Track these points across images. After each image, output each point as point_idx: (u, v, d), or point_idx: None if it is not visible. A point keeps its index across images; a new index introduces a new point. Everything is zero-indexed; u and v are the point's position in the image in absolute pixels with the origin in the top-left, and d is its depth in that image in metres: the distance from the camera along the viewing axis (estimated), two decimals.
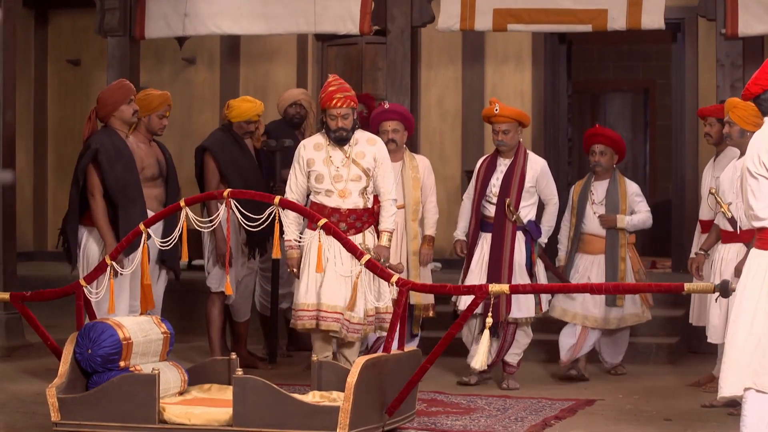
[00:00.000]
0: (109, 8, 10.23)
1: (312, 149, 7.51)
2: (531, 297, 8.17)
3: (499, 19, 9.61)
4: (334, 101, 7.39)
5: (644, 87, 15.79)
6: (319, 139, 7.55)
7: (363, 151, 7.49)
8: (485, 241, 8.25)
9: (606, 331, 8.61)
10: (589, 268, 8.54)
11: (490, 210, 8.25)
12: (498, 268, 8.11)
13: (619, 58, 15.80)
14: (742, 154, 7.44)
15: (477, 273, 8.22)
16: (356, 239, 7.29)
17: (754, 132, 6.43)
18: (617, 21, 9.39)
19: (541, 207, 8.41)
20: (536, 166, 8.33)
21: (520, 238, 8.20)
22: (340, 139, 7.43)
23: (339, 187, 7.40)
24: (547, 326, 8.96)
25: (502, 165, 8.30)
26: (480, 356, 6.12)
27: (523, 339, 8.29)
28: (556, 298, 8.53)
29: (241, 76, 12.80)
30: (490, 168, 8.34)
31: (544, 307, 8.32)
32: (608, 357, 8.79)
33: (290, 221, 7.29)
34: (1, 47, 9.42)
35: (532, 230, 8.23)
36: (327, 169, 7.42)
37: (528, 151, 8.39)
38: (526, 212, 8.25)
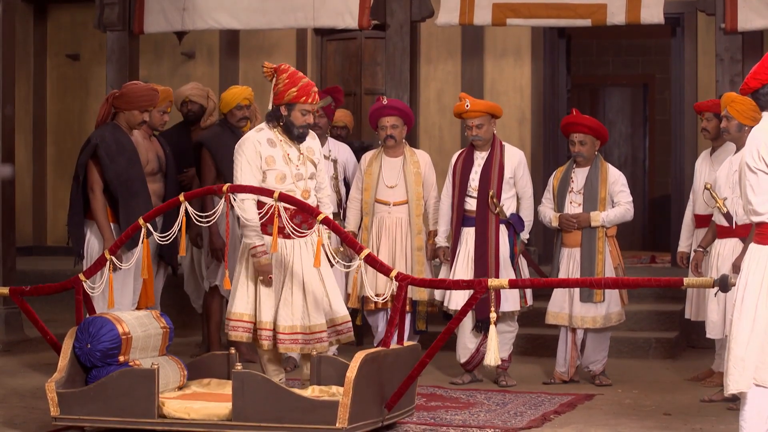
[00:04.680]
0: (108, 3, 10.23)
1: (267, 145, 6.79)
2: (516, 290, 8.03)
3: (498, 13, 9.61)
4: (313, 95, 6.78)
5: (643, 82, 15.76)
6: (268, 134, 6.82)
7: (311, 147, 6.94)
8: (469, 236, 8.12)
9: (588, 331, 8.16)
10: (568, 263, 8.18)
11: (472, 204, 8.14)
12: (484, 263, 8.02)
13: (619, 53, 15.78)
14: (739, 148, 7.42)
15: (464, 269, 8.10)
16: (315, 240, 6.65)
17: (752, 127, 6.44)
18: (616, 15, 9.38)
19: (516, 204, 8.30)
20: (514, 157, 8.19)
21: (503, 232, 8.11)
22: (302, 136, 6.82)
23: (301, 187, 6.79)
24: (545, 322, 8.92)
25: (479, 158, 8.18)
26: (492, 352, 6.09)
27: (508, 332, 8.19)
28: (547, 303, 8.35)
29: (240, 70, 12.77)
30: (467, 163, 8.20)
31: (529, 301, 8.20)
32: (590, 356, 8.21)
33: (255, 224, 6.66)
34: (1, 42, 9.41)
35: (515, 223, 8.13)
36: (288, 167, 6.79)
37: (504, 143, 8.28)
38: (508, 204, 8.15)
